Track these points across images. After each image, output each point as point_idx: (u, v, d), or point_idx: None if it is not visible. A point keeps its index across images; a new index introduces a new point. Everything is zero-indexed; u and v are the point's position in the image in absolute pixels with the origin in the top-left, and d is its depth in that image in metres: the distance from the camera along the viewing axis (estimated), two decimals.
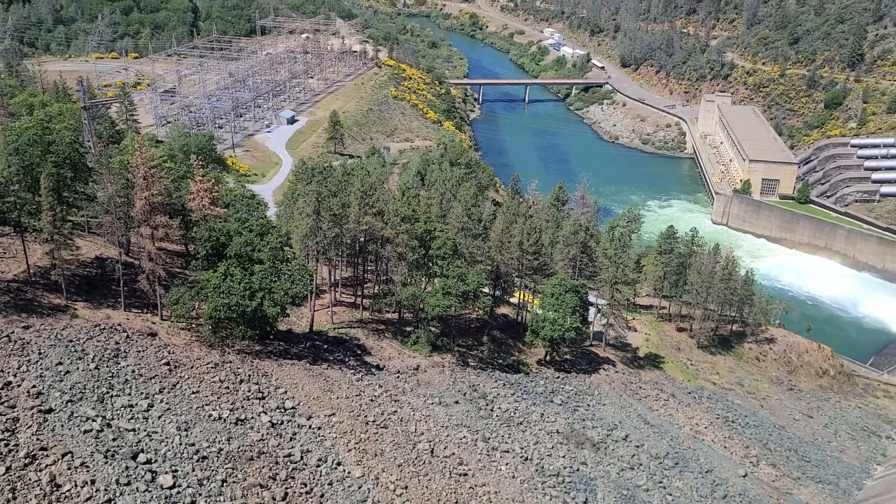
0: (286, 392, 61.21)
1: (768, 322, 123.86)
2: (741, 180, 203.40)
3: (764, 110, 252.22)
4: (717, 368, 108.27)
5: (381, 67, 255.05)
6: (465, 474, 61.59)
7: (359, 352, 75.79)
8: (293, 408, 59.64)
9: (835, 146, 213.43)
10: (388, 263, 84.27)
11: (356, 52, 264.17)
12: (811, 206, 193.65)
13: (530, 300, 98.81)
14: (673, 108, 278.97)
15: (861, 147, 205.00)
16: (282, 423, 57.11)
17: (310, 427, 58.16)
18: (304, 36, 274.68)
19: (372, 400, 66.17)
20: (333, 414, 61.07)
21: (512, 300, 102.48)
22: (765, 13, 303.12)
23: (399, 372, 74.23)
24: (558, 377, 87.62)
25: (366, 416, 62.87)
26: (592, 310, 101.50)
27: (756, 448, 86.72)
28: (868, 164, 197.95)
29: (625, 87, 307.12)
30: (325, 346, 73.79)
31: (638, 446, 76.96)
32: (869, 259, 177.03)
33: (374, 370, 72.43)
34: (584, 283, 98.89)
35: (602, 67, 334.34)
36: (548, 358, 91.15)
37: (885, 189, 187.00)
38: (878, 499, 76.50)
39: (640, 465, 73.84)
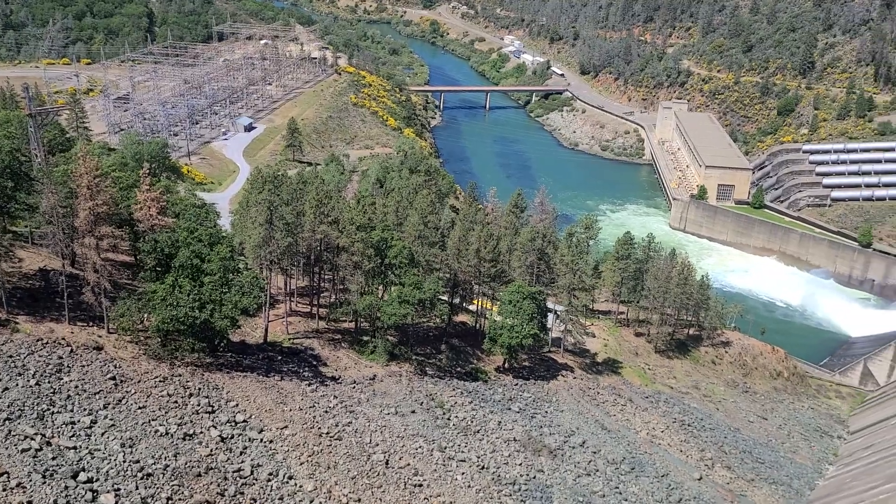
0: (237, 405, 60.00)
1: (724, 325, 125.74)
2: (698, 186, 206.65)
3: (719, 117, 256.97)
4: (674, 372, 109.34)
5: (340, 74, 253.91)
6: (421, 485, 61.01)
7: (314, 362, 74.75)
8: (244, 421, 58.45)
9: (788, 152, 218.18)
10: (345, 272, 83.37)
11: (315, 58, 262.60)
12: (765, 210, 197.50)
13: (489, 307, 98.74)
14: (631, 114, 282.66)
15: (812, 153, 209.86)
16: (232, 437, 55.90)
17: (261, 441, 57.04)
18: (262, 42, 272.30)
19: (326, 411, 65.24)
20: (286, 427, 60.01)
21: (470, 308, 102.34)
22: (719, 22, 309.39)
23: (355, 382, 73.39)
24: (516, 384, 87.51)
25: (319, 428, 61.93)
26: (551, 316, 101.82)
27: (711, 451, 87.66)
28: (819, 169, 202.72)
29: (584, 94, 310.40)
30: (280, 358, 72.64)
31: (595, 452, 77.17)
32: (821, 262, 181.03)
33: (329, 381, 71.48)
34: (542, 290, 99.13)
35: (562, 75, 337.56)
36: (506, 365, 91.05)
37: (836, 194, 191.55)
38: (829, 498, 77.78)
39: (597, 471, 74.03)
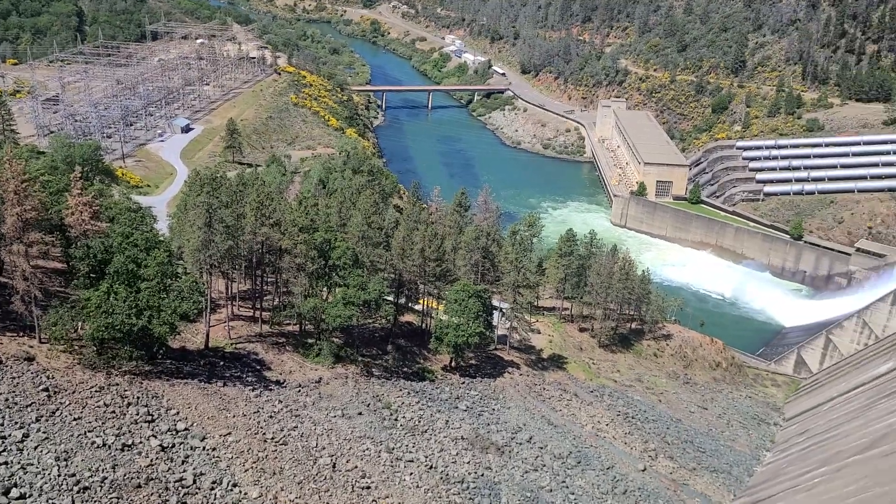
0: (178, 413, 58.50)
1: (665, 319, 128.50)
2: (637, 182, 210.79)
3: (657, 115, 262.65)
4: (617, 366, 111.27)
5: (280, 74, 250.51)
6: (368, 487, 60.59)
7: (258, 367, 73.51)
8: (186, 429, 57.04)
9: (722, 148, 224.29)
10: (288, 275, 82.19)
11: (254, 58, 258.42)
12: (702, 206, 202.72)
13: (435, 307, 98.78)
14: (572, 113, 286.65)
15: (746, 149, 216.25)
16: (173, 445, 54.47)
17: (203, 448, 55.75)
18: (198, 41, 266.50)
19: (271, 416, 64.19)
20: (229, 433, 58.80)
21: (416, 307, 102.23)
22: (655, 22, 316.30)
23: (300, 386, 72.45)
24: (463, 383, 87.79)
25: (264, 434, 60.89)
26: (496, 314, 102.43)
27: (655, 442, 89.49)
28: (752, 165, 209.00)
29: (525, 93, 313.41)
30: (222, 363, 71.15)
31: (542, 447, 77.95)
32: (755, 255, 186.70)
33: (273, 385, 70.38)
34: (487, 288, 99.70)
35: (503, 74, 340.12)
36: (453, 364, 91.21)
37: (768, 189, 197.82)
38: (766, 484, 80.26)
39: (544, 466, 74.77)
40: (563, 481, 73.40)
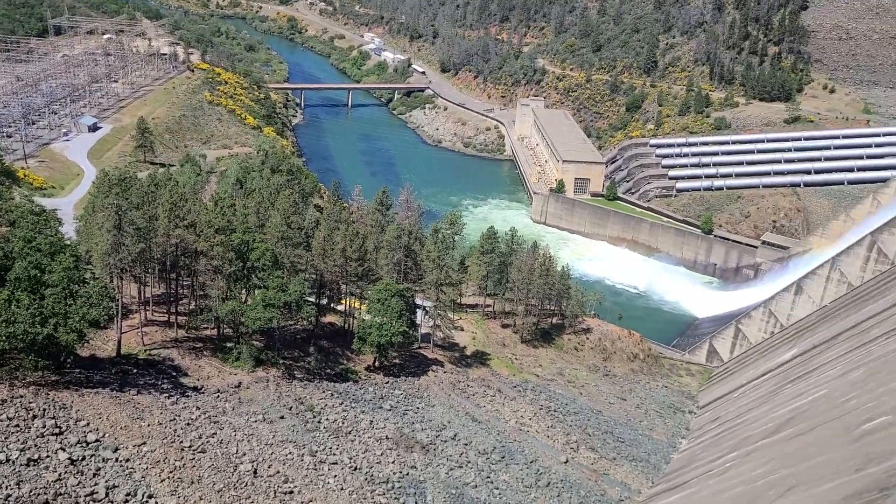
0: (89, 424, 55.98)
1: (584, 313, 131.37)
2: (556, 180, 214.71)
3: (574, 113, 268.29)
4: (540, 361, 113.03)
5: (193, 71, 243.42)
6: (291, 492, 59.54)
7: (174, 373, 71.18)
8: (97, 441, 54.63)
9: (636, 146, 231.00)
10: (204, 277, 79.88)
11: (166, 54, 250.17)
12: (619, 202, 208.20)
13: (357, 307, 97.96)
14: (491, 111, 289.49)
15: (658, 147, 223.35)
16: (83, 458, 52.09)
17: (116, 460, 53.55)
18: (105, 37, 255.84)
19: (188, 424, 62.24)
20: (144, 443, 56.68)
21: (339, 308, 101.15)
22: (570, 22, 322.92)
23: (219, 391, 70.56)
24: (387, 382, 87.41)
25: (181, 442, 58.97)
26: (419, 312, 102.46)
27: (576, 434, 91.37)
28: (665, 162, 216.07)
29: (445, 91, 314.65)
30: (135, 370, 68.61)
31: (466, 444, 78.42)
32: (669, 249, 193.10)
33: (190, 392, 68.29)
34: (409, 287, 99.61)
35: (423, 72, 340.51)
36: (376, 364, 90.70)
37: (680, 185, 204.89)
38: (682, 470, 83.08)
39: (469, 462, 75.24)
40: (488, 477, 74.05)
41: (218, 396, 69.38)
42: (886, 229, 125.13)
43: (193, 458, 57.79)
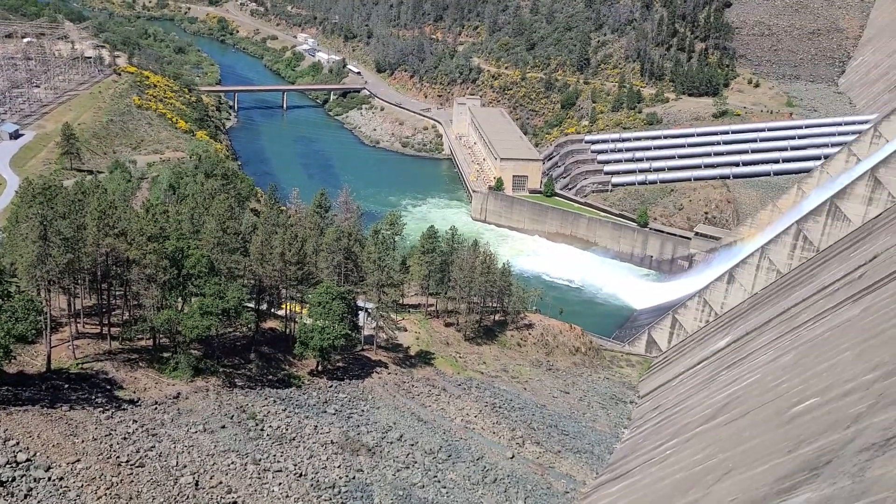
0: (18, 443, 53.73)
1: (526, 309, 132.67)
2: (495, 178, 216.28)
3: (510, 111, 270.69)
4: (483, 358, 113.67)
5: (120, 75, 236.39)
6: (235, 502, 58.38)
7: (108, 387, 68.91)
8: (28, 460, 52.50)
9: (572, 143, 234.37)
10: (138, 287, 77.57)
11: (90, 57, 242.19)
12: (556, 198, 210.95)
13: (298, 311, 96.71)
14: (428, 111, 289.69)
15: (593, 143, 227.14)
16: (13, 479, 49.98)
17: (49, 479, 51.55)
18: (25, 40, 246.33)
19: (125, 438, 60.37)
20: (78, 460, 54.72)
21: (279, 313, 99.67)
22: (504, 21, 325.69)
23: (157, 403, 68.67)
24: (331, 386, 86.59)
25: (118, 457, 57.16)
26: (362, 314, 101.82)
27: (521, 429, 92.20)
28: (600, 157, 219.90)
29: (382, 91, 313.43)
30: (67, 386, 66.15)
31: (412, 444, 78.26)
32: (607, 243, 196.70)
33: (126, 405, 66.26)
34: (351, 289, 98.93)
35: (359, 73, 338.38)
36: (319, 368, 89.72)
37: (616, 180, 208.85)
38: (625, 459, 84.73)
39: (416, 462, 75.11)
40: (435, 476, 74.06)
41: (156, 408, 67.54)
42: (811, 218, 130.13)
43: (131, 474, 56.08)
